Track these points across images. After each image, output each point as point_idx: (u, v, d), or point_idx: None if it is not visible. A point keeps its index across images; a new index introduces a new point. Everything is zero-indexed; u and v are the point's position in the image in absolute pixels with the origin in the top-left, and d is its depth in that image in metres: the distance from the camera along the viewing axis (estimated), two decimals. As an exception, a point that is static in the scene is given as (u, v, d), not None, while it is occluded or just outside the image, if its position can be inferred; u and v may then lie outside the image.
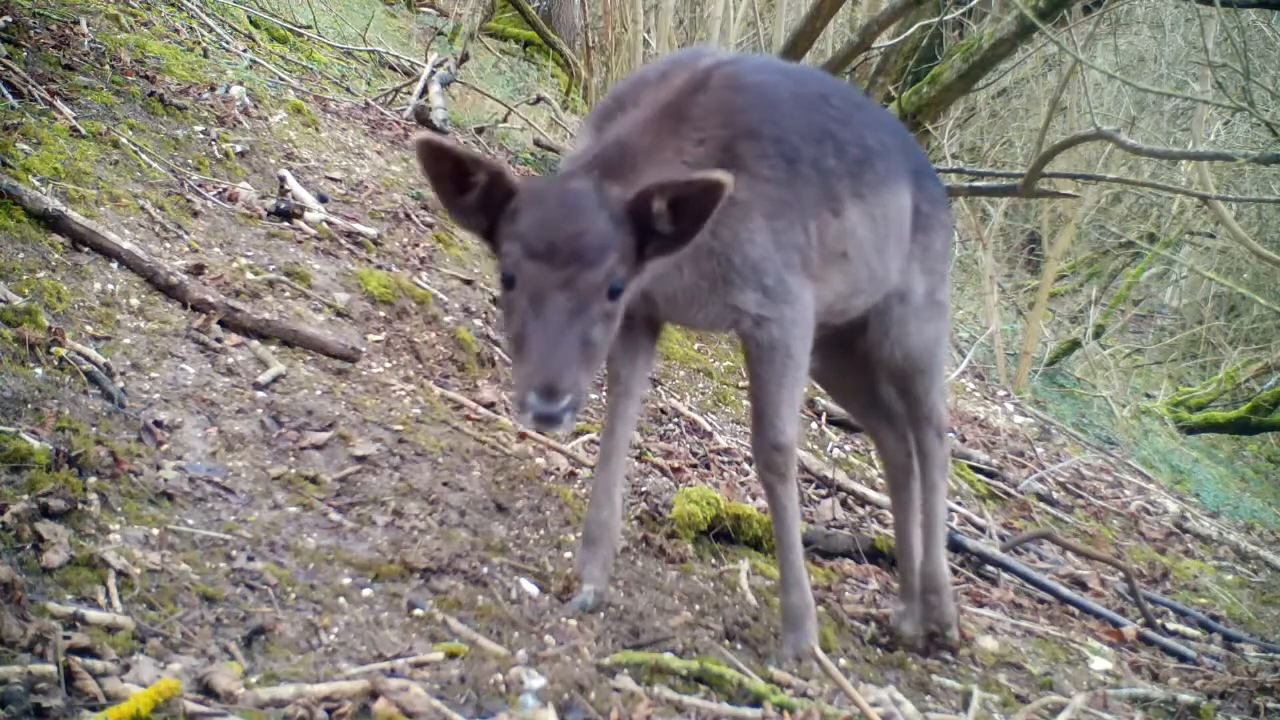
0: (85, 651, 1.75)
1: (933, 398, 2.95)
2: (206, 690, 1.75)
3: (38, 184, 3.14)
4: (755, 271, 2.36)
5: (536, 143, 7.81)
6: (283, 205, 3.92)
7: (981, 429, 6.28)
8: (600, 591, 2.46)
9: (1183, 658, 3.63)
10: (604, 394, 2.61)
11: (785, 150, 2.40)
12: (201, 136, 4.16)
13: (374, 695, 1.80)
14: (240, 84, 4.88)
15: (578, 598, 2.43)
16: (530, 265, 2.03)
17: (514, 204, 2.11)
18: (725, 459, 3.99)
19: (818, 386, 4.46)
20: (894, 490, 3.12)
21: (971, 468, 5.19)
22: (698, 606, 2.66)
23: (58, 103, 3.70)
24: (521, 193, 2.11)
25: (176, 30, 5.52)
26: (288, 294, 3.40)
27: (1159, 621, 3.93)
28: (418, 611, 2.21)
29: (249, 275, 3.37)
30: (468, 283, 4.19)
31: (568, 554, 2.70)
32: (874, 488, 4.25)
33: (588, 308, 2.02)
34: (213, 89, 4.69)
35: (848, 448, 4.71)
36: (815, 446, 4.54)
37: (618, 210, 2.08)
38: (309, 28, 7.47)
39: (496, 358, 3.79)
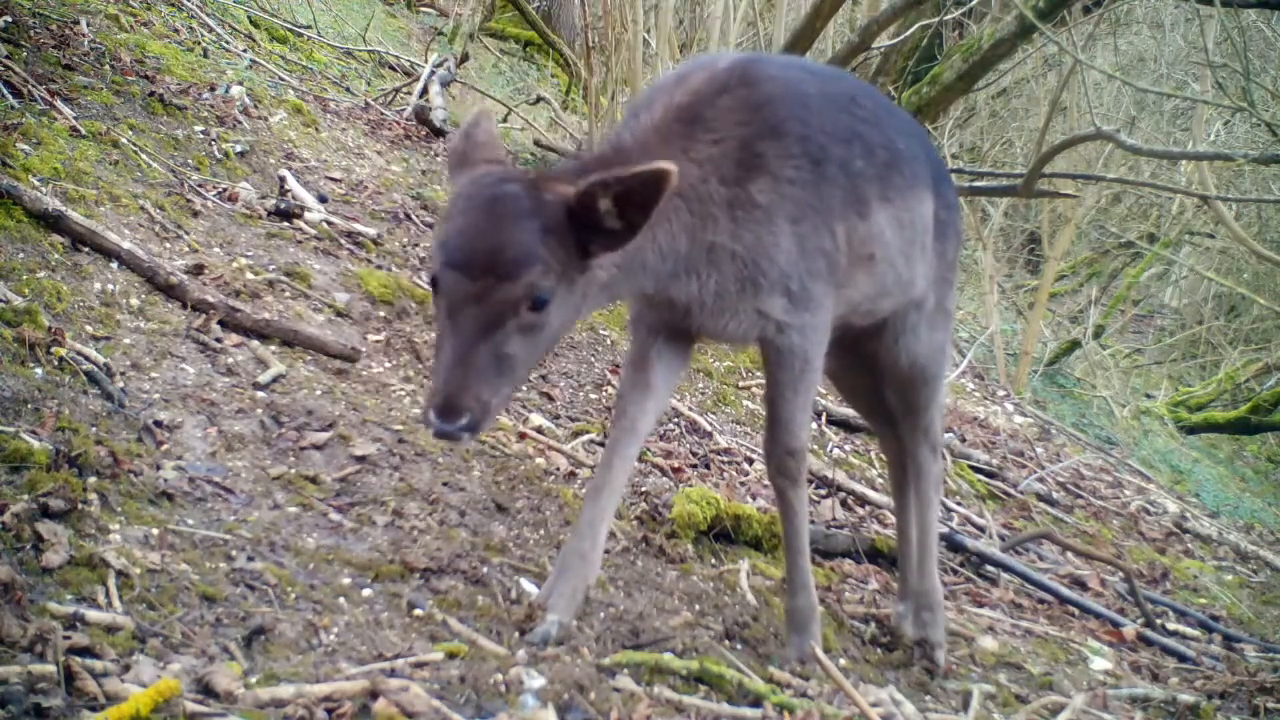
0: (85, 651, 1.75)
1: (931, 413, 2.94)
2: (206, 690, 1.74)
3: (38, 184, 3.14)
4: (782, 277, 2.33)
5: (536, 143, 7.81)
6: (283, 205, 3.92)
7: (981, 429, 6.28)
8: (565, 624, 2.26)
9: (1183, 658, 3.63)
10: (610, 425, 2.55)
11: (811, 150, 2.34)
12: (201, 136, 4.16)
13: (374, 695, 1.80)
14: (240, 84, 4.88)
15: (540, 628, 2.23)
16: (449, 274, 1.95)
17: (449, 204, 2.05)
18: (725, 459, 3.99)
19: (821, 384, 4.46)
20: (896, 490, 3.12)
21: (971, 468, 5.19)
22: (698, 606, 2.66)
23: (58, 103, 3.70)
24: (456, 192, 2.04)
25: (176, 30, 5.52)
26: (288, 294, 3.40)
27: (1159, 621, 3.93)
28: (418, 611, 2.21)
29: (249, 275, 3.37)
30: (468, 283, 4.18)
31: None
32: (874, 488, 4.25)
33: (502, 323, 1.95)
34: (213, 89, 4.69)
35: (848, 448, 4.71)
36: (815, 446, 4.54)
37: (554, 214, 1.98)
38: (309, 28, 7.47)
39: (496, 358, 3.79)
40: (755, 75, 2.38)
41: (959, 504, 4.62)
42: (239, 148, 4.24)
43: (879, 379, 2.99)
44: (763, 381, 4.99)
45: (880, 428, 3.19)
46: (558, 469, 3.21)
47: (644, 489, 3.33)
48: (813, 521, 3.74)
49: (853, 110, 2.50)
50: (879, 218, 2.49)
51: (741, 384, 4.98)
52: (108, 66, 4.24)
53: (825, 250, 2.39)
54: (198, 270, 3.22)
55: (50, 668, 1.66)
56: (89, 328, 2.76)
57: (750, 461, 4.03)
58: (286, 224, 3.86)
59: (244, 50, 5.84)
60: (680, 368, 2.61)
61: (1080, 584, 4.19)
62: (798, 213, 2.33)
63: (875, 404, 3.11)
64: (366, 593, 2.22)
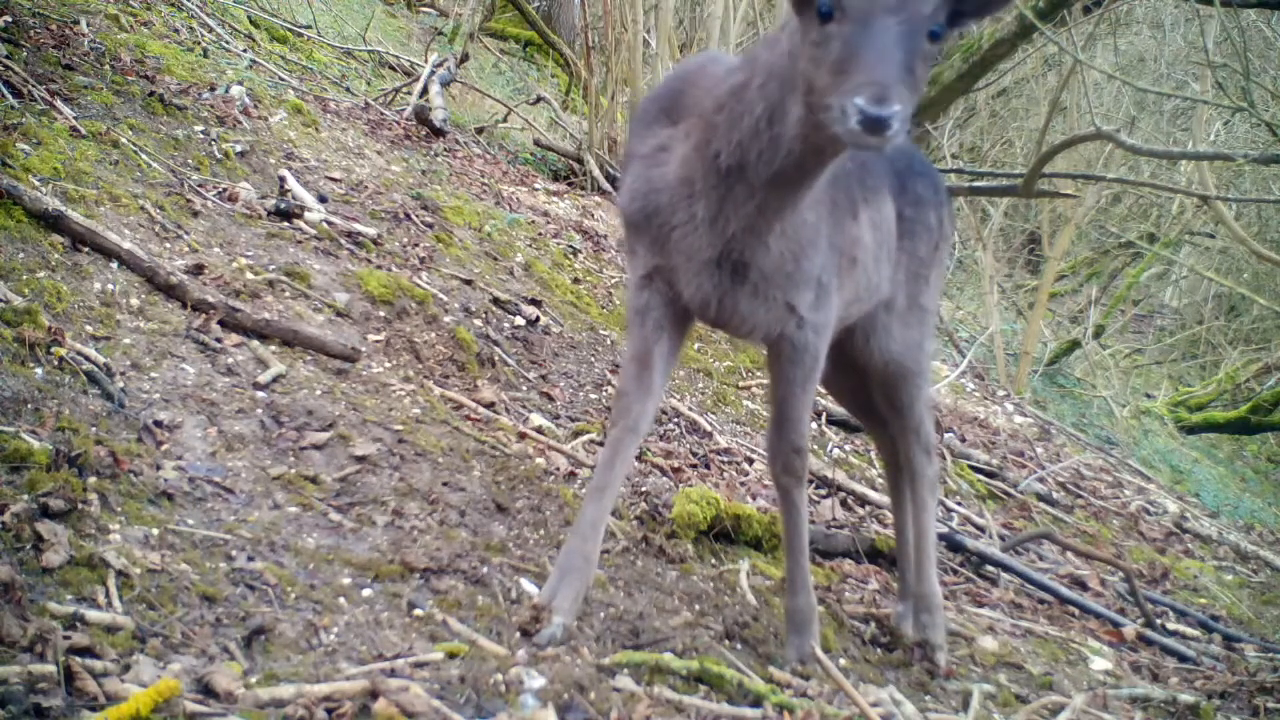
0: (85, 651, 1.75)
1: (919, 410, 2.93)
2: (206, 690, 1.75)
3: (38, 184, 3.14)
4: (817, 270, 2.36)
5: (536, 143, 7.81)
6: (283, 205, 3.92)
7: (981, 429, 6.28)
8: (569, 625, 2.28)
9: (1183, 658, 3.63)
10: (610, 427, 2.53)
11: None
12: (201, 136, 4.16)
13: (374, 695, 1.80)
14: (240, 84, 4.88)
15: (546, 630, 2.24)
16: None
17: None
18: (725, 459, 3.99)
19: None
20: (894, 490, 3.12)
21: (971, 468, 5.19)
22: (698, 606, 2.66)
23: (58, 103, 3.70)
24: None
25: (176, 30, 5.52)
26: (288, 294, 3.40)
27: (1159, 621, 3.93)
28: (418, 611, 2.21)
29: (249, 275, 3.37)
30: (468, 283, 4.19)
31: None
32: (874, 488, 4.25)
33: (916, 36, 1.93)
34: (213, 89, 4.69)
35: (848, 448, 4.71)
36: (815, 446, 4.54)
37: None
38: (309, 28, 7.48)
39: (496, 358, 3.79)
40: None
41: (959, 504, 4.62)
42: (239, 148, 4.24)
43: (864, 380, 2.99)
44: (763, 381, 4.98)
45: (873, 428, 3.20)
46: (558, 469, 3.21)
47: (644, 489, 3.33)
48: (813, 521, 3.74)
49: None
50: (862, 219, 2.52)
51: (741, 384, 4.98)
52: (108, 66, 4.24)
53: (839, 247, 2.43)
54: (198, 270, 3.22)
55: (50, 668, 1.66)
56: (89, 328, 2.76)
57: (750, 461, 4.03)
58: (286, 224, 3.85)
59: (244, 50, 5.84)
60: (673, 367, 2.62)
61: (1080, 584, 4.19)
62: (830, 205, 2.37)
63: (865, 405, 3.11)
64: (366, 593, 2.22)
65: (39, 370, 2.46)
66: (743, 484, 3.81)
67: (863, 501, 4.09)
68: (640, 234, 2.44)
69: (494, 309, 4.12)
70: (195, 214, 3.61)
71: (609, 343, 4.52)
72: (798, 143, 2.13)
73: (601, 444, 3.52)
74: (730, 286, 2.35)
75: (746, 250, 2.29)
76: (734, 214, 2.26)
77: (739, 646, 2.53)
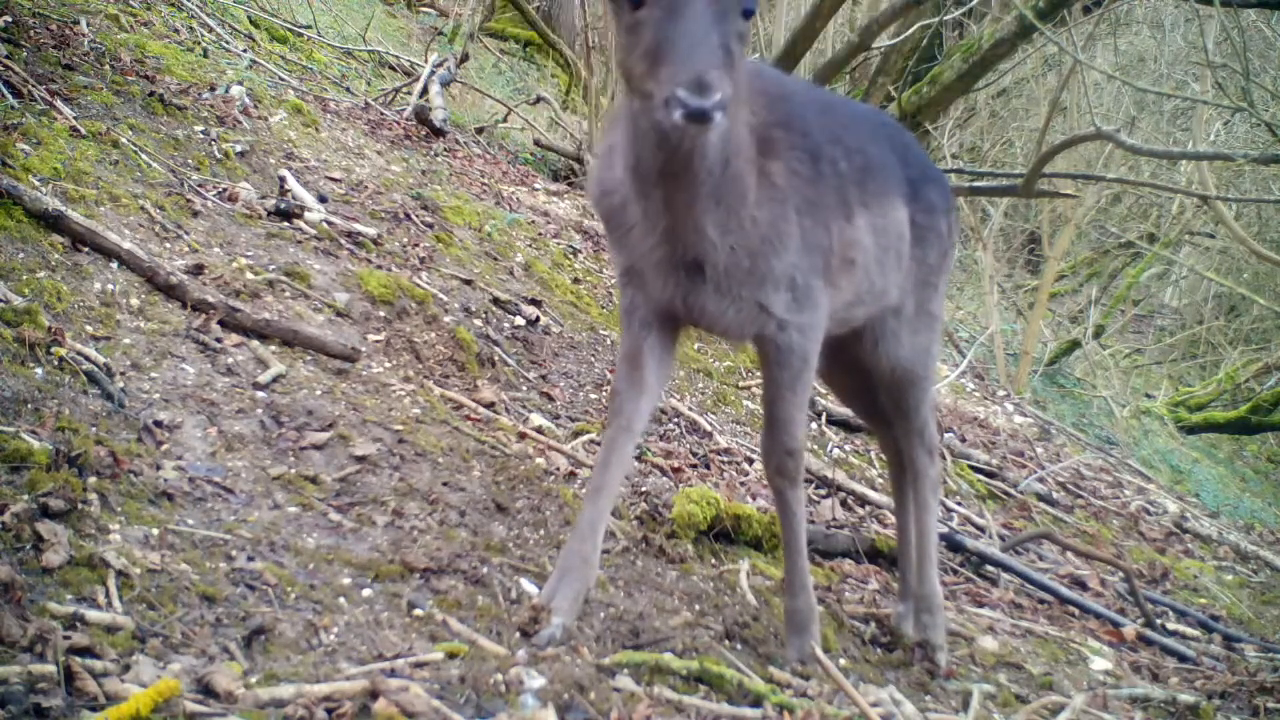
0: (85, 651, 1.75)
1: (924, 413, 2.94)
2: (206, 690, 1.75)
3: (38, 184, 3.14)
4: (790, 267, 2.34)
5: (536, 143, 7.81)
6: (283, 205, 3.92)
7: (981, 429, 6.28)
8: (569, 626, 2.27)
9: (1183, 658, 3.63)
10: (605, 427, 2.53)
11: (810, 146, 2.39)
12: (201, 136, 4.16)
13: (374, 695, 1.80)
14: (240, 84, 4.88)
15: (545, 630, 2.23)
16: None
17: None
18: (725, 459, 3.99)
19: (819, 386, 4.46)
20: (896, 490, 3.12)
21: (971, 468, 5.19)
22: (698, 606, 2.66)
23: (58, 103, 3.70)
24: None
25: (176, 30, 5.52)
26: (288, 294, 3.40)
27: (1159, 621, 3.93)
28: (418, 611, 2.21)
29: (249, 275, 3.37)
30: (468, 283, 4.19)
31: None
32: (874, 488, 4.25)
33: (727, 16, 1.93)
34: (213, 89, 4.69)
35: (848, 448, 4.71)
36: (815, 446, 4.54)
37: None
38: (309, 28, 7.48)
39: (496, 358, 3.79)
40: (764, 72, 2.47)
41: (959, 504, 4.62)
42: (239, 148, 4.24)
43: (870, 382, 2.99)
44: (762, 381, 4.97)
45: (878, 428, 3.21)
46: (558, 469, 3.21)
47: (644, 489, 3.33)
48: (812, 521, 3.74)
49: (830, 114, 2.57)
50: (860, 222, 2.52)
51: (741, 384, 4.98)
52: (108, 66, 4.24)
53: (823, 248, 2.41)
54: (198, 270, 3.22)
55: (50, 668, 1.66)
56: (89, 328, 2.76)
57: (750, 461, 4.03)
58: (286, 224, 3.85)
59: (244, 50, 5.84)
60: (670, 364, 2.61)
61: (1080, 584, 4.19)
62: (802, 205, 2.35)
63: (870, 405, 3.12)
64: (366, 593, 2.22)
65: (39, 370, 2.46)
66: (743, 484, 3.81)
67: (863, 501, 4.09)
68: (610, 233, 2.45)
69: (494, 309, 4.12)
70: (195, 214, 3.61)
71: (609, 343, 4.52)
72: (651, 135, 2.11)
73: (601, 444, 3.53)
74: (691, 286, 2.34)
75: (690, 250, 2.27)
76: (656, 214, 2.25)
77: (739, 646, 2.53)
